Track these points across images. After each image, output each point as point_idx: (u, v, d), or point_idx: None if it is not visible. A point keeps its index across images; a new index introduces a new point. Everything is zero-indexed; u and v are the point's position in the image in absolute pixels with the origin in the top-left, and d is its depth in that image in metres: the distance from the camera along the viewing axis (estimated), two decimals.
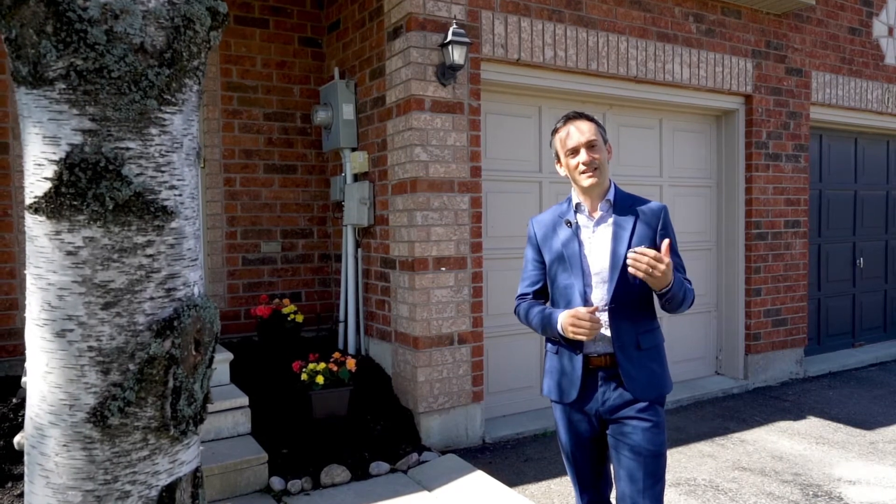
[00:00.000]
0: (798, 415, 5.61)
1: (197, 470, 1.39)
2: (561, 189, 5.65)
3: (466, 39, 4.63)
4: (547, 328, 2.52)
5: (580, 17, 5.36)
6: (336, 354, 4.73)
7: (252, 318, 5.41)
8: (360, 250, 5.51)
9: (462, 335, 4.88)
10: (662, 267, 2.24)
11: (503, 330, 5.39)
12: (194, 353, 1.31)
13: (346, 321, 5.57)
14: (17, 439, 3.87)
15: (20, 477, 3.76)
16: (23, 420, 4.06)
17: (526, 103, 5.51)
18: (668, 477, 4.31)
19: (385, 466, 4.25)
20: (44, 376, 1.30)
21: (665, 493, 4.03)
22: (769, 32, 6.50)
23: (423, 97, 4.69)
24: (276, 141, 5.68)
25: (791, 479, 4.28)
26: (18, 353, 4.74)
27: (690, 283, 2.53)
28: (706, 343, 6.65)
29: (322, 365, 4.56)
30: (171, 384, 1.29)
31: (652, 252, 2.24)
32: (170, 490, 1.34)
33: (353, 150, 5.46)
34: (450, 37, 4.58)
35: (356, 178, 5.46)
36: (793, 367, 6.82)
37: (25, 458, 1.36)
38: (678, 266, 2.51)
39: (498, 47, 5.00)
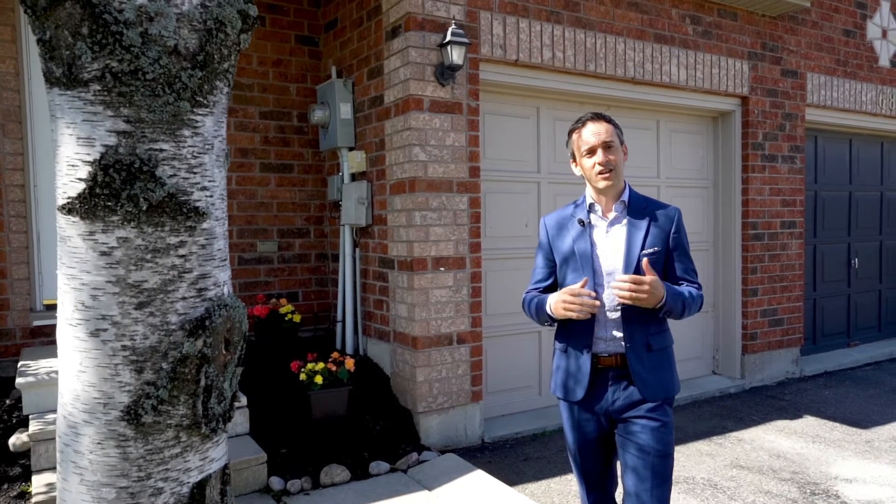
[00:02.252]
0: (795, 414, 5.64)
1: (225, 467, 1.40)
2: (559, 190, 5.66)
3: (465, 40, 4.63)
4: (540, 313, 2.56)
5: (578, 19, 5.37)
6: (335, 354, 4.73)
7: (249, 317, 5.38)
8: (357, 250, 5.50)
9: (461, 335, 4.88)
10: (645, 288, 2.31)
11: (502, 330, 5.40)
12: (224, 351, 1.32)
13: (343, 321, 5.56)
14: (11, 441, 3.84)
15: (16, 479, 3.73)
16: (17, 422, 4.03)
17: (524, 104, 5.52)
18: None
19: (385, 466, 4.25)
20: (77, 375, 1.31)
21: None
22: (765, 34, 6.53)
23: (421, 97, 4.69)
24: (272, 140, 5.66)
25: (789, 478, 4.31)
26: (10, 354, 4.71)
27: (699, 287, 2.56)
28: (703, 343, 6.68)
29: (321, 365, 4.55)
30: (202, 383, 1.30)
31: (627, 276, 2.32)
32: (200, 487, 1.36)
33: (351, 149, 5.45)
34: (449, 37, 4.58)
35: (354, 177, 5.45)
36: (789, 366, 6.86)
37: (58, 455, 1.35)
38: (688, 270, 2.56)
39: (496, 48, 5.00)
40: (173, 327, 1.30)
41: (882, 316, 8.39)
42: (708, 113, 6.55)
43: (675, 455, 4.67)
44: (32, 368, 4.15)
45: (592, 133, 2.52)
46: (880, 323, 8.38)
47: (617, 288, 2.33)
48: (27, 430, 3.84)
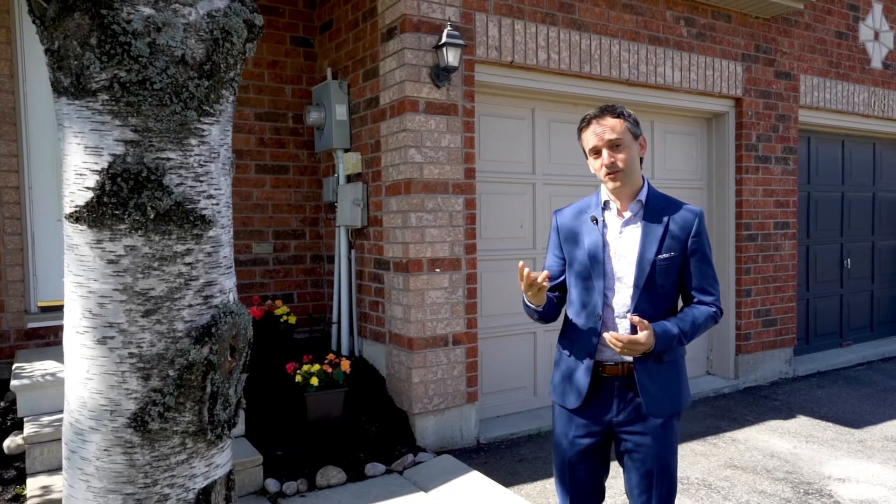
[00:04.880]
0: (788, 414, 5.67)
1: (230, 473, 1.41)
2: (555, 191, 5.68)
3: (461, 41, 4.64)
4: (526, 306, 2.46)
5: (573, 20, 5.38)
6: (330, 356, 4.73)
7: None
8: (353, 251, 5.51)
9: (456, 336, 4.89)
10: (639, 348, 2.22)
11: (497, 331, 5.41)
12: (230, 358, 1.33)
13: (339, 322, 5.55)
14: (6, 443, 3.83)
15: (11, 482, 3.72)
16: (11, 424, 4.02)
17: (519, 105, 5.53)
18: None
19: (381, 467, 4.25)
20: (84, 383, 1.32)
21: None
22: (758, 36, 6.57)
23: (417, 99, 4.70)
24: (267, 141, 5.66)
25: (783, 478, 4.33)
26: (4, 356, 4.70)
27: (715, 300, 2.40)
28: (698, 343, 6.71)
29: (316, 366, 4.55)
30: (208, 389, 1.31)
31: (625, 337, 2.20)
32: (205, 493, 1.37)
33: (346, 150, 5.45)
34: (444, 39, 4.59)
35: (349, 178, 5.45)
36: (782, 366, 6.90)
37: (64, 462, 1.37)
38: (706, 278, 2.38)
39: (492, 49, 5.01)
40: (180, 335, 1.31)
41: (874, 316, 8.44)
42: (702, 114, 6.58)
43: None
44: (27, 371, 4.13)
45: (596, 133, 2.34)
46: (872, 323, 8.43)
47: (612, 344, 2.23)
48: (22, 433, 3.83)
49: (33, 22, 1.22)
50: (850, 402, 6.03)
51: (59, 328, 4.85)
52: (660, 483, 2.35)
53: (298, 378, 4.51)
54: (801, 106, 6.98)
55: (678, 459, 4.56)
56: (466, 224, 4.93)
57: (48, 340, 4.83)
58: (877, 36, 7.67)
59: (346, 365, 4.63)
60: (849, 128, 7.70)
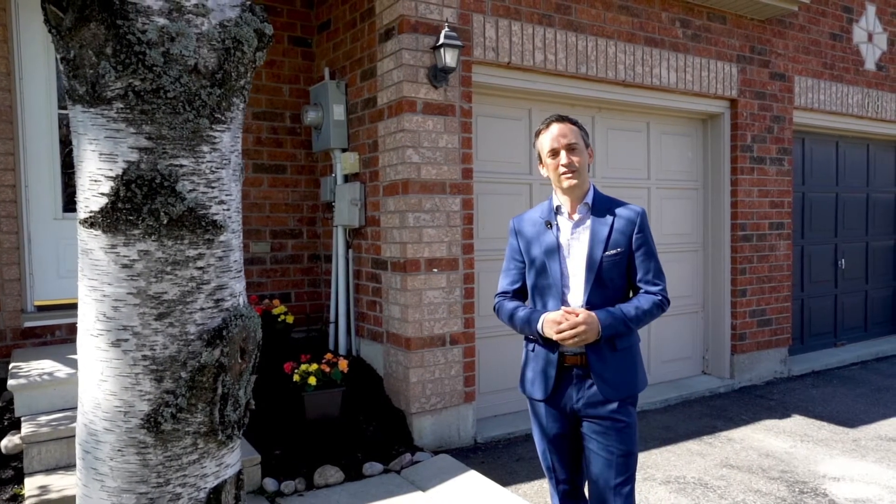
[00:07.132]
0: (783, 413, 5.71)
1: (240, 472, 1.44)
2: (551, 191, 5.69)
3: (458, 42, 4.66)
4: (526, 328, 2.61)
5: (570, 22, 5.40)
6: (328, 355, 4.74)
7: None
8: (350, 251, 5.52)
9: (454, 336, 4.91)
10: (586, 332, 2.39)
11: (495, 330, 5.42)
12: (240, 360, 1.36)
13: (336, 322, 5.57)
14: (3, 443, 3.83)
15: (8, 481, 3.73)
16: (8, 423, 4.02)
17: (516, 106, 5.55)
18: (659, 475, 4.37)
19: (378, 467, 4.27)
20: (98, 384, 1.35)
21: (654, 491, 4.09)
22: (753, 38, 6.60)
23: (415, 99, 4.71)
24: (265, 140, 5.67)
25: (778, 477, 4.37)
26: (1, 355, 4.69)
27: (661, 290, 2.57)
28: (693, 343, 6.75)
29: (314, 366, 4.56)
30: (219, 391, 1.34)
31: (567, 325, 2.41)
32: (216, 492, 1.40)
33: (344, 150, 5.46)
34: (442, 39, 4.61)
35: (347, 178, 5.46)
36: (777, 366, 6.94)
37: (78, 462, 1.39)
38: (650, 270, 2.56)
39: (489, 50, 5.03)
40: (192, 337, 1.34)
41: (868, 316, 8.49)
42: (697, 115, 6.61)
43: (667, 454, 4.73)
44: (24, 370, 4.14)
45: (556, 136, 2.56)
46: (866, 323, 8.48)
47: (559, 333, 2.42)
48: (19, 433, 3.83)
49: (49, 31, 1.25)
50: (844, 401, 6.07)
51: (56, 327, 4.85)
52: (619, 466, 2.50)
53: (296, 377, 4.52)
54: (796, 107, 7.02)
55: (676, 458, 4.60)
56: (464, 224, 4.95)
57: (45, 340, 4.83)
58: (870, 37, 7.72)
59: (343, 364, 4.64)
60: (843, 129, 7.75)
